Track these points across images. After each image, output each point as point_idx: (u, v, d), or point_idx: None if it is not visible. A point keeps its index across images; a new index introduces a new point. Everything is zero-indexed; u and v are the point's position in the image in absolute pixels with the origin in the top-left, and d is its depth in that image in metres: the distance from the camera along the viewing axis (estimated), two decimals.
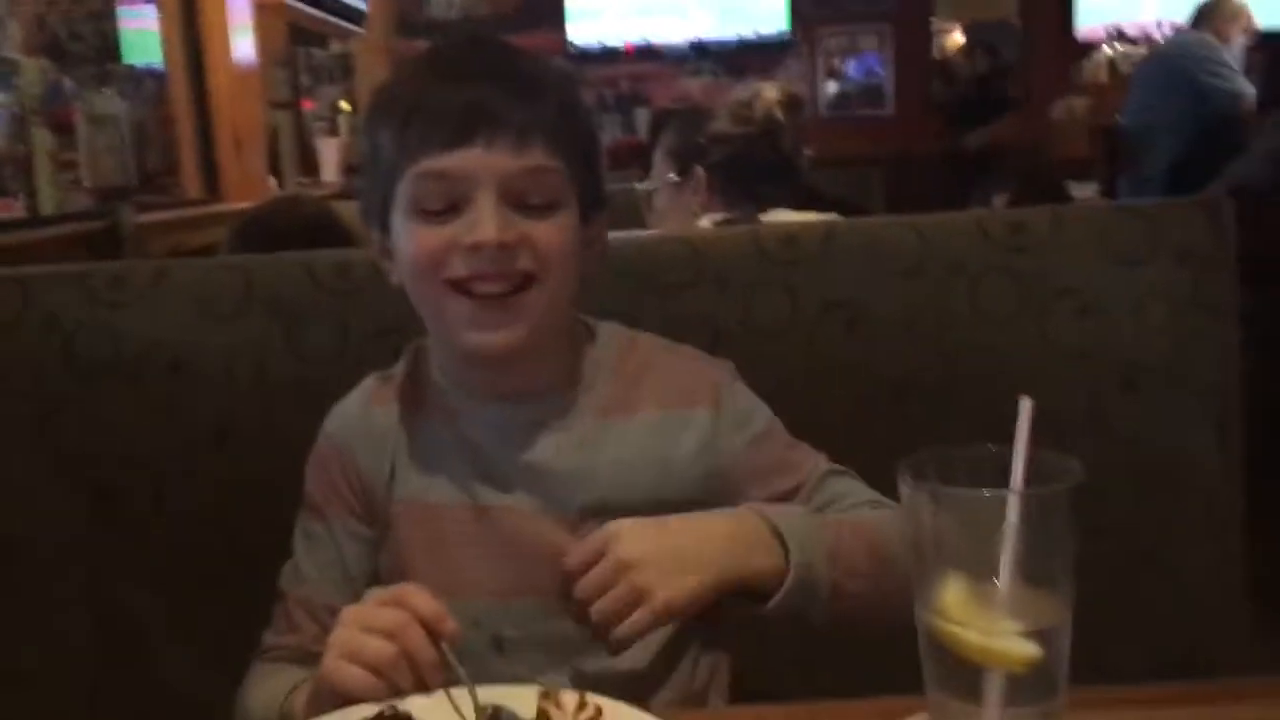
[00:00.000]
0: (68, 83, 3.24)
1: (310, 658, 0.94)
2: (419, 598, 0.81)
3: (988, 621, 0.69)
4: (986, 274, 1.29)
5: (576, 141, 0.99)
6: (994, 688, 0.69)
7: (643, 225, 2.15)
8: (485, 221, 0.92)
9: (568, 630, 0.94)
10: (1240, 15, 4.39)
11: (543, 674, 0.94)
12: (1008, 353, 1.29)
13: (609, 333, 1.08)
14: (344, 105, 5.80)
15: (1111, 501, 1.23)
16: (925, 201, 1.46)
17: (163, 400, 1.28)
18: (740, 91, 2.08)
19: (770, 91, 2.06)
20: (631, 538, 0.89)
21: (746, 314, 1.29)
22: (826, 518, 1.00)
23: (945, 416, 1.26)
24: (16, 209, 2.52)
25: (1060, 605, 0.70)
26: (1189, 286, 1.30)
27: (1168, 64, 4.48)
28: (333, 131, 5.38)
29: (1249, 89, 4.22)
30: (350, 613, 0.84)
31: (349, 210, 2.46)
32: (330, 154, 5.09)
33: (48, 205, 2.59)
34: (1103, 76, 6.37)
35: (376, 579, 1.04)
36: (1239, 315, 1.32)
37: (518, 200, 0.94)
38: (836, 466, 1.08)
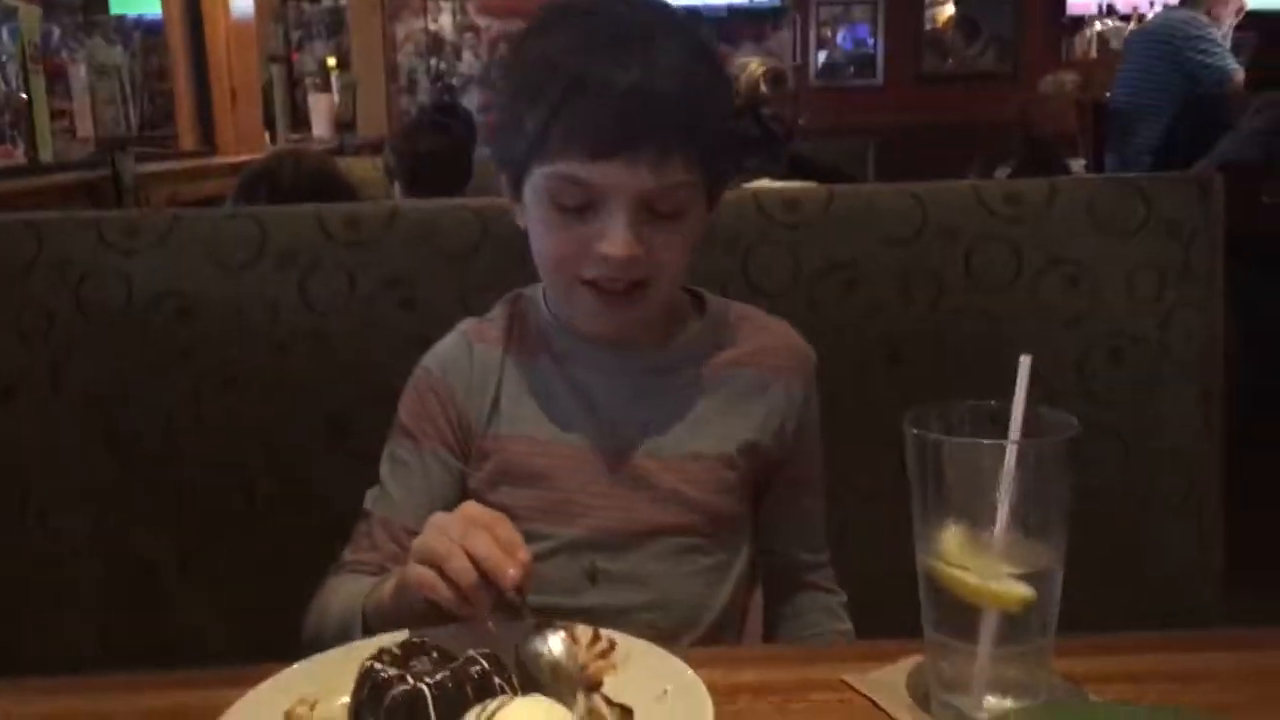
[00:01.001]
0: (55, 31, 3.22)
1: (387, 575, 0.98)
2: (503, 525, 0.84)
3: (985, 565, 0.73)
4: (982, 241, 1.33)
5: (715, 145, 1.01)
6: (989, 627, 0.73)
7: None
8: (616, 236, 0.96)
9: (659, 568, 1.03)
10: None
11: (632, 608, 0.99)
12: (1000, 318, 1.33)
13: (713, 299, 1.14)
14: (330, 62, 5.77)
15: (1095, 466, 1.27)
16: (916, 172, 1.48)
17: (174, 346, 1.31)
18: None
19: (755, 66, 2.11)
20: None
21: (749, 275, 1.32)
22: None
23: (939, 377, 1.30)
24: (16, 156, 2.52)
25: (1053, 550, 0.74)
26: (1179, 258, 1.34)
27: (1157, 41, 4.51)
28: (324, 87, 5.35)
29: (1237, 68, 4.26)
30: (440, 519, 0.85)
31: (347, 166, 2.48)
32: (321, 109, 5.08)
33: (45, 154, 2.60)
34: (1092, 52, 6.41)
35: None
36: (1225, 290, 1.36)
37: (649, 209, 0.97)
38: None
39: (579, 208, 0.97)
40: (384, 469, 1.09)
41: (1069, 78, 5.93)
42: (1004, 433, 0.74)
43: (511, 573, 0.81)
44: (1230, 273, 1.35)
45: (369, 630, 0.93)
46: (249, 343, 1.31)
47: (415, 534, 0.88)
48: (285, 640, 0.99)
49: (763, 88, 2.08)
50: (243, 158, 3.49)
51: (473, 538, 0.82)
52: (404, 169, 2.79)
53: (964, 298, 1.33)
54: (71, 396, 1.31)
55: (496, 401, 1.07)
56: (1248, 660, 0.84)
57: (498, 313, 1.13)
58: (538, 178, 0.99)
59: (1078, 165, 4.53)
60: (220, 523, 1.32)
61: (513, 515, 0.87)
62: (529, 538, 0.87)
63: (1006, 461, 0.72)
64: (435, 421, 1.08)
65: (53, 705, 0.87)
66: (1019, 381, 0.75)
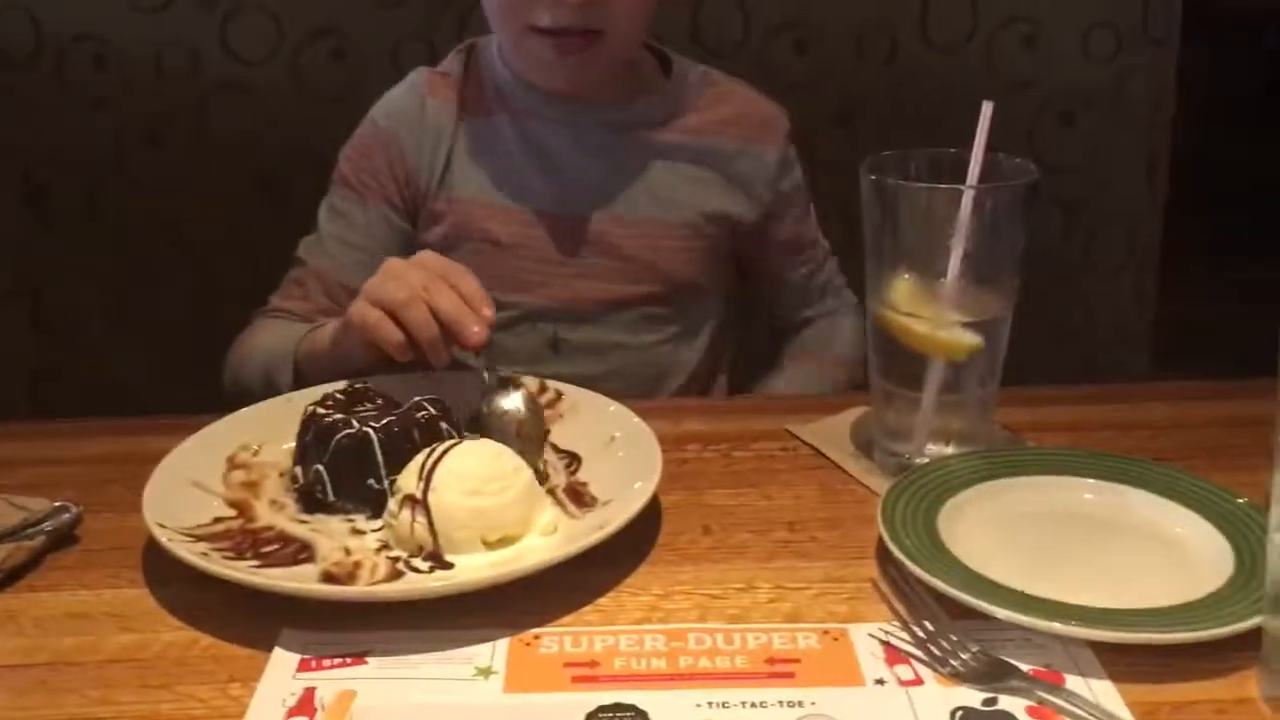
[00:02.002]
0: None
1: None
2: (467, 279, 0.80)
3: (934, 313, 0.73)
4: None
5: None
6: (935, 375, 0.74)
7: None
8: None
9: (621, 337, 1.02)
10: None
11: (595, 376, 0.95)
12: (953, 79, 1.30)
13: (679, 60, 1.07)
14: None
15: (1040, 229, 1.27)
16: None
17: (88, 95, 1.24)
18: None
19: None
20: None
21: (696, 31, 1.27)
22: None
23: (890, 136, 1.27)
24: None
25: (1003, 299, 0.74)
26: (1136, 17, 1.31)
27: None
28: None
29: None
30: (396, 264, 0.82)
31: None
32: None
33: None
34: None
35: None
36: (1182, 65, 1.35)
37: None
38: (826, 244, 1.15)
39: None
40: (322, 216, 1.04)
41: None
42: (961, 179, 0.72)
43: (476, 330, 0.77)
44: (1192, 51, 1.34)
45: (299, 375, 0.90)
46: (169, 92, 1.24)
47: (352, 290, 0.85)
48: (217, 391, 0.98)
49: None
50: None
51: (435, 288, 0.78)
52: None
53: (918, 57, 1.30)
54: None
55: (449, 161, 1.02)
56: (1180, 408, 0.86)
57: (451, 65, 1.05)
58: None
59: None
60: (148, 276, 1.28)
61: None
62: None
63: (963, 206, 0.70)
64: (379, 177, 1.03)
65: None
66: (980, 127, 0.73)
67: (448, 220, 1.01)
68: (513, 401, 0.79)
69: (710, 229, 1.04)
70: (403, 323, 0.79)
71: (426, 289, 0.78)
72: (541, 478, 0.74)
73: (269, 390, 0.88)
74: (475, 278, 0.80)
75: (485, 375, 0.80)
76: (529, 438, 0.77)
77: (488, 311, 0.78)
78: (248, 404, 0.82)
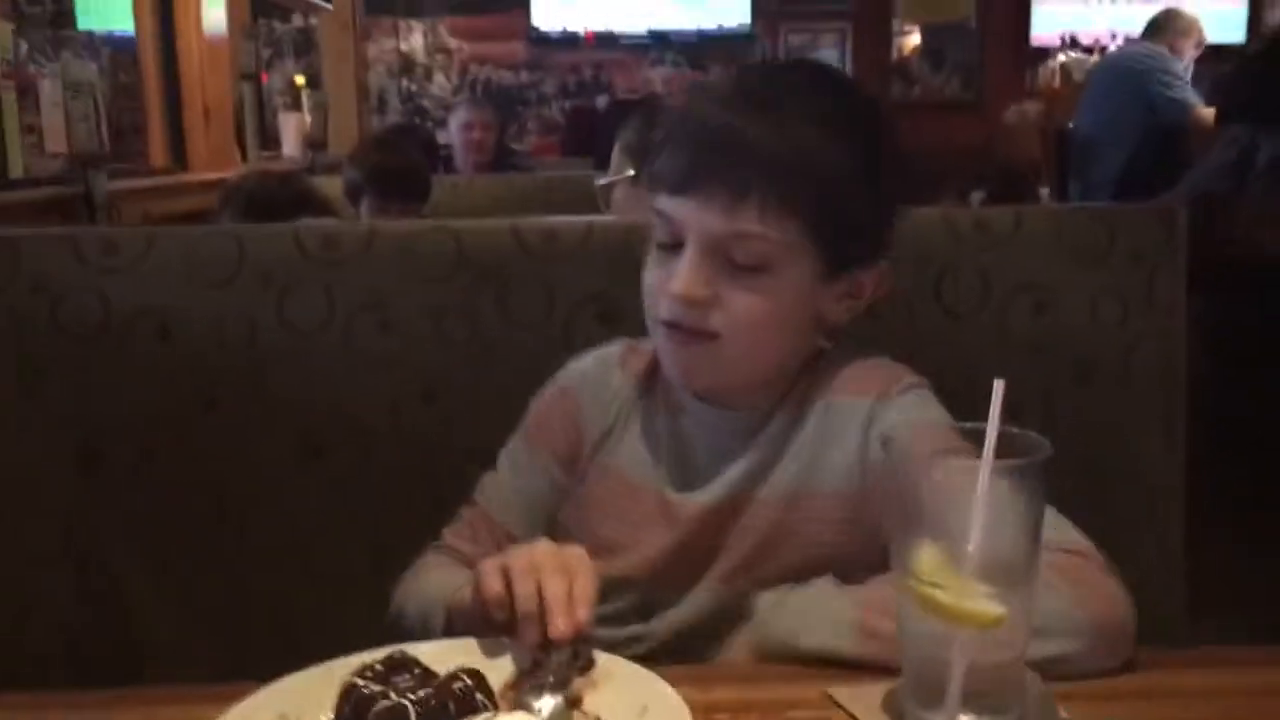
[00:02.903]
0: (24, 45, 3.21)
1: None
2: (582, 578, 0.85)
3: (958, 583, 0.75)
4: (951, 268, 1.35)
5: (818, 204, 0.96)
6: (962, 645, 0.75)
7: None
8: (682, 274, 0.97)
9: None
10: (1192, 29, 4.52)
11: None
12: (968, 344, 1.35)
13: (830, 354, 1.08)
14: (299, 80, 5.76)
15: (1059, 490, 1.30)
16: None
17: (151, 365, 1.31)
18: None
19: None
20: None
21: None
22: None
23: None
24: None
25: (1026, 569, 0.76)
26: (1142, 287, 1.37)
27: (1119, 72, 4.60)
28: (294, 106, 5.35)
29: (1197, 101, 4.34)
30: (542, 545, 0.88)
31: (319, 185, 2.50)
32: (291, 129, 5.07)
33: (15, 169, 2.58)
34: (1056, 82, 6.51)
35: (556, 522, 1.09)
36: (1193, 319, 1.39)
37: (725, 257, 0.97)
38: None
39: (670, 245, 0.99)
40: (501, 464, 1.11)
41: (1032, 107, 6.03)
42: (977, 454, 0.75)
43: (560, 624, 0.82)
44: (1203, 303, 1.38)
45: (449, 624, 0.96)
46: (227, 362, 1.31)
47: (513, 538, 0.91)
48: (255, 656, 1.00)
49: None
50: (214, 175, 3.49)
51: (549, 574, 0.84)
52: (372, 179, 2.81)
53: (933, 324, 1.36)
54: (46, 414, 1.30)
55: (614, 430, 1.08)
56: (1213, 677, 0.86)
57: (650, 345, 1.09)
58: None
59: (1043, 194, 4.59)
60: (191, 539, 1.32)
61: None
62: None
63: (980, 481, 0.74)
64: (553, 433, 1.10)
65: None
66: (993, 404, 0.77)
67: (594, 483, 1.07)
68: (541, 704, 0.80)
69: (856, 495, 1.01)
70: (511, 586, 0.84)
71: (542, 568, 0.84)
72: None
73: (426, 634, 0.94)
74: (593, 580, 0.85)
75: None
76: None
77: (582, 613, 0.83)
78: (404, 640, 0.86)
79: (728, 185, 0.95)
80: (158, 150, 3.80)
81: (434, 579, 1.05)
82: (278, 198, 2.01)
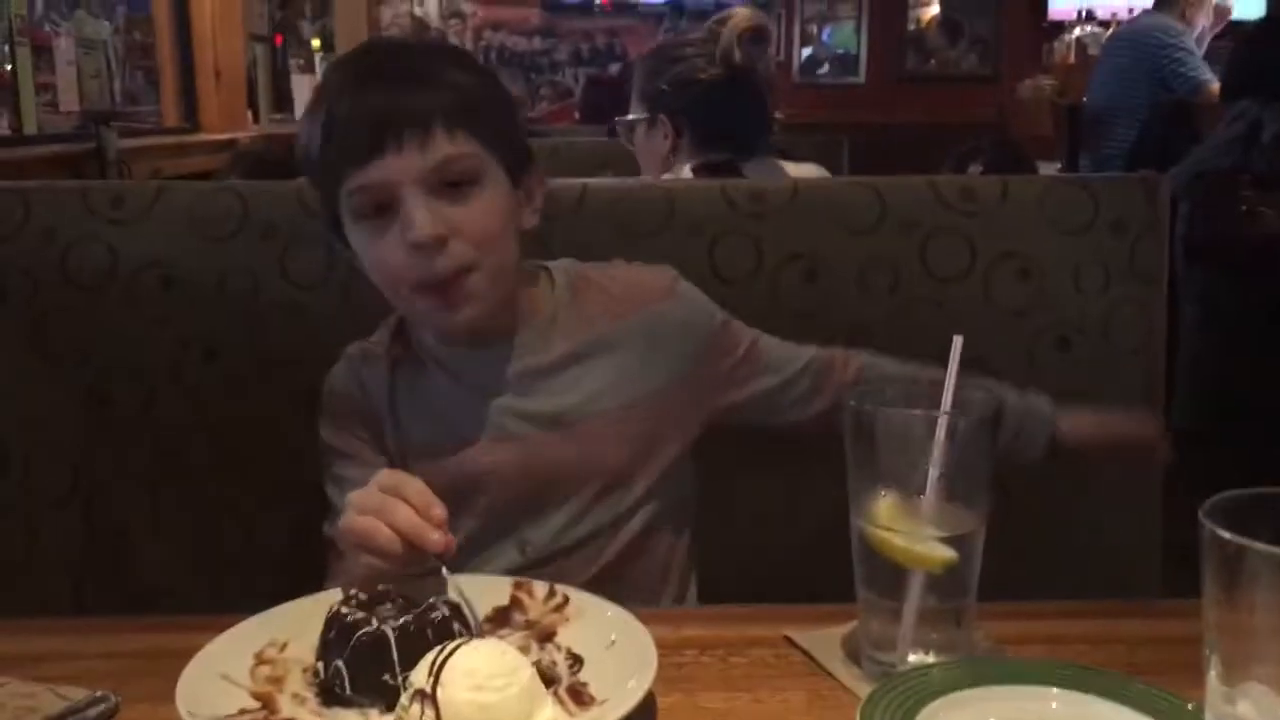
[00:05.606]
0: (39, 3, 3.25)
1: None
2: (411, 485, 0.89)
3: (911, 528, 0.78)
4: (937, 234, 1.38)
5: (481, 115, 1.06)
6: (914, 586, 0.79)
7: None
8: (415, 219, 1.02)
9: (585, 536, 1.09)
10: (1205, 1, 4.49)
11: (569, 576, 1.01)
12: (953, 308, 1.38)
13: (561, 271, 1.18)
14: (315, 43, 5.78)
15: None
16: (889, 169, 1.53)
17: (155, 314, 1.35)
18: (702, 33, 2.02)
19: (739, 20, 1.95)
20: None
21: (713, 262, 1.37)
22: None
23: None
24: (1, 128, 2.54)
25: (976, 515, 0.80)
26: (1124, 256, 1.40)
27: (1131, 47, 4.58)
28: (308, 68, 5.37)
29: (1210, 78, 4.32)
30: (356, 497, 0.91)
31: None
32: (304, 91, 5.08)
33: (29, 125, 2.62)
34: (1070, 57, 6.49)
35: None
36: (1195, 294, 1.42)
37: (439, 187, 1.03)
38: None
39: (379, 211, 1.04)
40: (330, 493, 1.13)
41: (1046, 82, 6.01)
42: (936, 406, 0.79)
43: (434, 538, 0.86)
44: (1206, 278, 1.40)
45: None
46: (228, 313, 1.35)
47: None
48: (254, 596, 1.04)
49: (736, 55, 1.93)
50: (226, 135, 3.53)
51: (390, 509, 0.87)
52: None
53: (919, 288, 1.39)
54: (53, 357, 1.35)
55: (396, 419, 1.13)
56: (1157, 626, 0.90)
57: (380, 335, 1.18)
58: (344, 209, 1.07)
59: (1052, 168, 4.58)
60: (193, 484, 1.36)
61: None
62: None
63: (938, 432, 0.77)
64: (356, 433, 1.14)
65: (25, 646, 0.90)
66: (951, 359, 0.80)
67: (415, 469, 1.08)
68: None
69: (646, 408, 1.12)
70: (375, 550, 0.87)
71: (382, 509, 0.87)
72: (549, 679, 0.79)
73: None
74: (420, 483, 0.89)
75: (445, 572, 0.87)
76: None
77: (437, 511, 0.87)
78: None
79: (414, 125, 1.02)
80: (169, 109, 3.84)
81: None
82: (286, 162, 2.04)
